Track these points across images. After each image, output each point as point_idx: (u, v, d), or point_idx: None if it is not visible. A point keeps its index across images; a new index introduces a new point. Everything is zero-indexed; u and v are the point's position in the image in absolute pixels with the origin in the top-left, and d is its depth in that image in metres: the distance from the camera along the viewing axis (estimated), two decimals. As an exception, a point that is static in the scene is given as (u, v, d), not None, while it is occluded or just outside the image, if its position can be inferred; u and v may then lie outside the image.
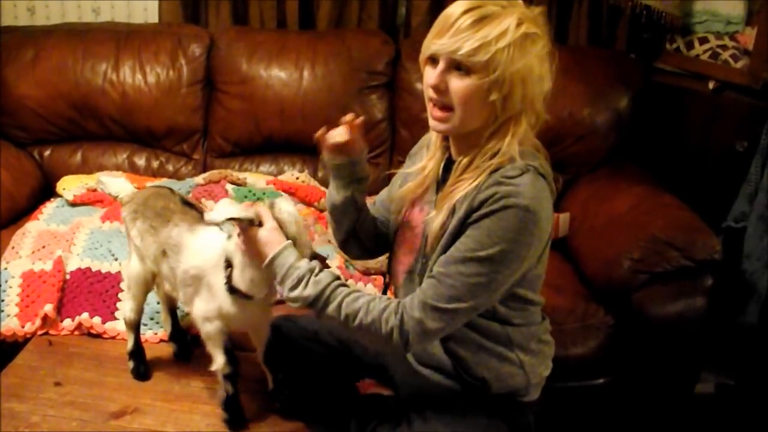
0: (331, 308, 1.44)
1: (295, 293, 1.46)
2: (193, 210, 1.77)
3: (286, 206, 1.56)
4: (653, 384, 2.18)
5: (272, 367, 1.79)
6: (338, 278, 1.49)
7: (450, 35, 1.36)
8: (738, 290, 2.43)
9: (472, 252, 1.37)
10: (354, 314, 1.43)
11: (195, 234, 1.71)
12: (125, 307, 1.91)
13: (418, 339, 1.42)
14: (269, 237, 1.52)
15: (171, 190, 1.86)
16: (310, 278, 1.46)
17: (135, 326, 1.92)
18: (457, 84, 1.38)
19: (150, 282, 1.87)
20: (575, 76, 2.80)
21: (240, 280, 1.59)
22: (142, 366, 1.91)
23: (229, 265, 1.60)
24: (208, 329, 1.69)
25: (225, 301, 1.63)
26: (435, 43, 1.39)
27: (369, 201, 1.75)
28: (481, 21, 1.34)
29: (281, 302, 1.62)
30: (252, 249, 1.55)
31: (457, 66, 1.37)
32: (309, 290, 1.45)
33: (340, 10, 3.18)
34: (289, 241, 1.52)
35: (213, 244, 1.66)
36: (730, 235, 2.50)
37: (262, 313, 1.72)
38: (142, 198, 1.84)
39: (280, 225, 1.52)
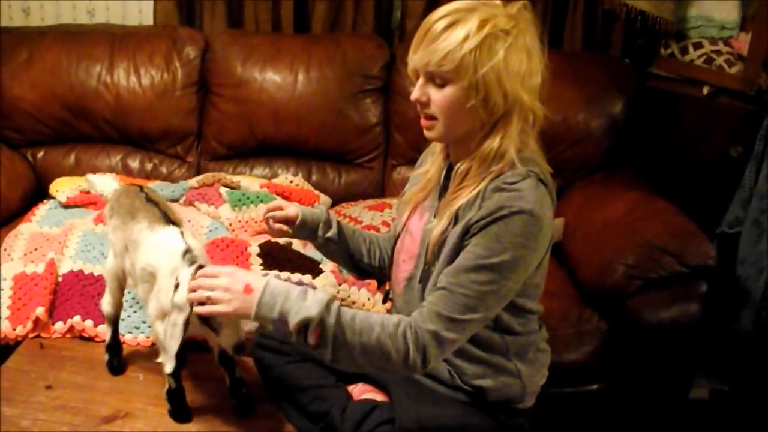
0: (346, 324, 1.35)
1: (308, 301, 1.34)
2: (155, 208, 1.77)
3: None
4: (647, 390, 2.18)
5: (228, 367, 1.75)
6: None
7: (423, 47, 1.39)
8: (732, 296, 2.44)
9: (484, 259, 1.36)
10: (369, 329, 1.35)
11: (154, 232, 1.70)
12: (104, 301, 1.92)
13: (436, 352, 1.37)
14: (241, 275, 1.41)
15: (140, 187, 1.86)
16: (311, 291, 1.39)
17: (112, 320, 1.92)
18: (436, 96, 1.41)
19: (122, 278, 1.87)
20: (569, 80, 2.80)
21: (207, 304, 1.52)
22: (116, 360, 1.92)
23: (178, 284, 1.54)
24: (159, 329, 1.67)
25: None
26: (412, 57, 1.42)
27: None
28: (448, 28, 1.36)
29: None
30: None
31: (434, 78, 1.40)
32: (320, 294, 1.37)
33: (335, 13, 3.17)
34: (271, 274, 1.46)
35: (169, 245, 1.64)
36: (724, 241, 2.50)
37: None
38: (116, 195, 1.87)
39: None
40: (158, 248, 1.66)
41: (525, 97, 1.39)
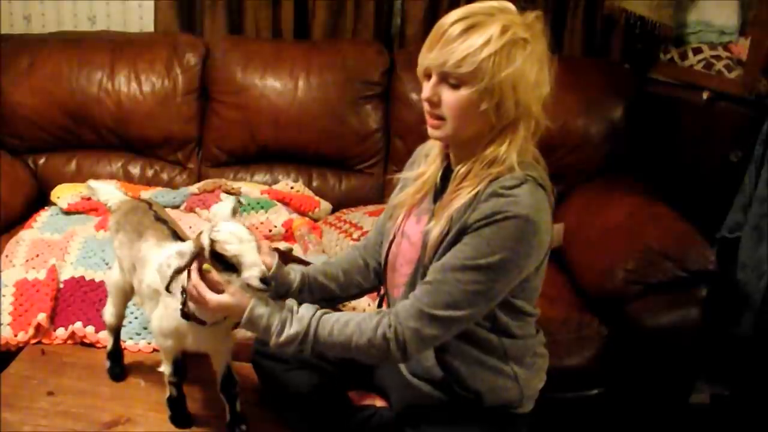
0: (323, 339, 1.45)
1: (283, 337, 1.45)
2: (164, 226, 1.76)
3: (226, 227, 1.49)
4: (648, 395, 2.18)
5: (230, 399, 1.74)
6: (319, 309, 1.48)
7: (439, 48, 1.38)
8: (732, 301, 2.43)
9: (471, 260, 1.37)
10: (348, 339, 1.43)
11: (160, 249, 1.68)
12: (106, 312, 1.92)
13: (416, 347, 1.42)
14: (231, 300, 1.48)
15: (149, 204, 1.85)
16: (292, 318, 1.46)
17: (114, 330, 1.93)
18: (449, 96, 1.39)
19: (128, 292, 1.87)
20: (569, 86, 2.80)
21: (195, 308, 1.56)
22: (118, 368, 1.94)
23: (184, 291, 1.55)
24: (162, 343, 1.69)
25: (179, 323, 1.59)
26: (426, 57, 1.41)
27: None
28: (467, 31, 1.35)
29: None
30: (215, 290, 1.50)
31: (447, 78, 1.38)
32: (294, 327, 1.45)
33: (335, 19, 3.18)
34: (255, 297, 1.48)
35: None
36: (724, 246, 2.50)
37: (220, 337, 1.67)
38: (123, 211, 1.85)
39: (220, 245, 1.46)
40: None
41: (534, 106, 1.40)
